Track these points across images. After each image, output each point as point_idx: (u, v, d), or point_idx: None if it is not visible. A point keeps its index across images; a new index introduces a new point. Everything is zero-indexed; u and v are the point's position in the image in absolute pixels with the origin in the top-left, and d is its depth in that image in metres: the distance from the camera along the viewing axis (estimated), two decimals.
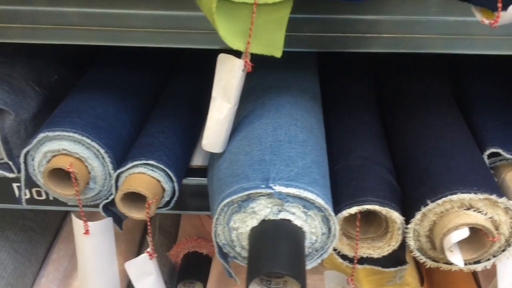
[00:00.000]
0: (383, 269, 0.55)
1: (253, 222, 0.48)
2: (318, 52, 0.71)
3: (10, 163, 0.62)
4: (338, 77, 0.73)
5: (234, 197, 0.47)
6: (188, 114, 0.67)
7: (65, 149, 0.54)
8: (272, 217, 0.47)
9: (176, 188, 0.58)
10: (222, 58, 0.51)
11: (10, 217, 0.84)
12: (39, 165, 0.56)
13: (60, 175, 0.57)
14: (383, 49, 0.53)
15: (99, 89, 0.62)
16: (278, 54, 0.49)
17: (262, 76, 0.64)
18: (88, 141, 0.54)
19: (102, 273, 0.62)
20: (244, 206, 0.47)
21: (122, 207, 0.56)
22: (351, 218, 0.52)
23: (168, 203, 0.59)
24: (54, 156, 0.55)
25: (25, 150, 0.56)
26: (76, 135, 0.54)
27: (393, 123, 0.65)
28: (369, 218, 0.54)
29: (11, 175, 0.63)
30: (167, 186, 0.57)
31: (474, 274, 0.82)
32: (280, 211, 0.47)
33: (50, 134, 0.54)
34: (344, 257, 0.55)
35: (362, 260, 0.55)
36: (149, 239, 0.60)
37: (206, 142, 0.56)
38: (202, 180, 0.63)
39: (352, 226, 0.53)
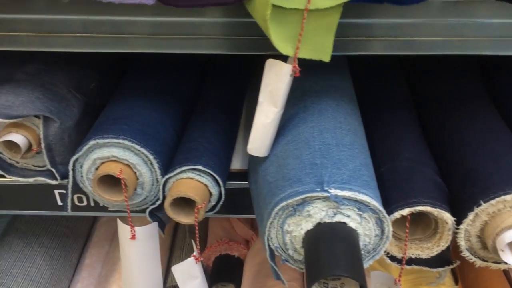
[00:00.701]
0: (430, 269, 0.56)
1: (308, 225, 0.48)
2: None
3: (53, 170, 0.63)
4: (370, 80, 0.74)
5: (289, 201, 0.48)
6: (226, 119, 0.68)
7: (115, 155, 0.55)
8: (327, 220, 0.48)
9: (223, 192, 0.58)
10: (270, 63, 0.52)
11: (43, 223, 0.85)
12: (87, 172, 0.57)
13: (107, 181, 0.57)
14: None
15: (140, 95, 0.63)
16: (326, 58, 0.50)
17: (299, 80, 0.65)
18: (138, 147, 0.55)
19: (146, 277, 0.63)
20: (299, 209, 0.48)
21: (171, 212, 0.56)
22: (398, 219, 0.53)
23: (213, 207, 0.60)
24: (102, 163, 0.56)
25: (74, 157, 0.56)
26: (126, 142, 0.54)
27: (431, 124, 0.65)
28: (416, 219, 0.55)
29: (53, 182, 0.64)
30: (214, 190, 0.57)
31: (506, 272, 0.82)
32: (335, 214, 0.47)
33: (100, 141, 0.54)
34: (392, 258, 0.56)
35: (410, 261, 0.56)
36: (194, 243, 0.61)
37: (251, 146, 0.57)
38: (243, 184, 0.64)
39: (399, 227, 0.54)
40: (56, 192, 0.66)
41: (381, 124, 0.64)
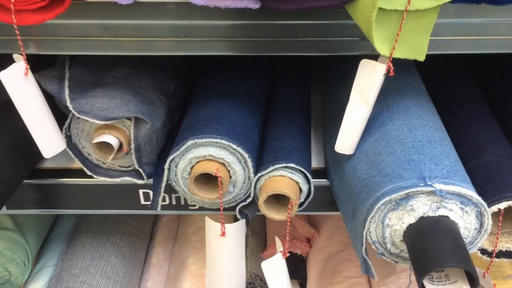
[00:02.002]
0: None
1: (411, 219, 0.50)
2: None
3: (140, 170, 0.65)
4: (436, 78, 0.75)
5: (393, 195, 0.49)
6: (302, 118, 0.69)
7: (211, 154, 0.57)
8: (431, 214, 0.49)
9: (312, 189, 0.60)
10: (364, 63, 0.53)
11: (112, 223, 0.87)
12: (182, 171, 0.59)
13: (199, 179, 0.59)
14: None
15: (225, 97, 0.65)
16: (421, 58, 0.52)
17: None
18: (234, 146, 0.56)
19: (232, 272, 0.65)
20: (402, 204, 0.50)
21: (264, 209, 0.58)
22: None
23: (301, 204, 0.61)
24: (198, 162, 0.58)
25: (171, 156, 0.58)
26: (223, 141, 0.56)
27: (505, 120, 0.66)
28: (504, 213, 0.56)
29: (140, 182, 0.66)
30: (304, 187, 0.59)
31: None
32: (438, 207, 0.49)
33: (198, 140, 0.56)
34: (483, 251, 0.57)
35: (499, 254, 0.57)
36: (281, 240, 0.63)
37: (339, 145, 0.59)
38: (321, 182, 0.66)
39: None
40: (141, 191, 0.69)
41: (458, 121, 0.65)
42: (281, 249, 0.62)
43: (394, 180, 0.51)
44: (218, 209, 0.66)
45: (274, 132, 0.64)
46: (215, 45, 0.53)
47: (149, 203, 0.69)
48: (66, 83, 0.60)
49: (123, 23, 0.52)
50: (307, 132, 0.68)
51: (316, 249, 0.90)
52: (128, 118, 0.61)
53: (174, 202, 0.69)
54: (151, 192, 0.68)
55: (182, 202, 0.69)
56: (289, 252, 0.91)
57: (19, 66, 0.53)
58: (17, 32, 0.50)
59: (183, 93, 0.76)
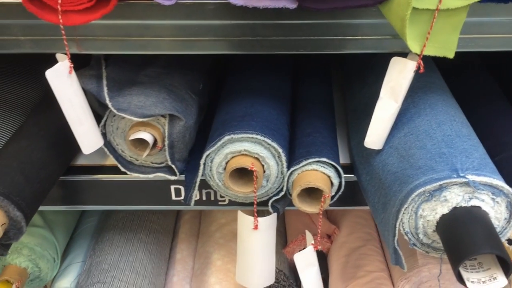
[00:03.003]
0: None
1: (444, 209, 0.52)
2: None
3: (173, 166, 0.67)
4: (454, 76, 0.78)
5: (427, 187, 0.51)
6: (328, 115, 0.71)
7: (247, 149, 0.59)
8: (463, 204, 0.51)
9: (343, 183, 0.62)
10: (395, 61, 0.55)
11: (137, 220, 0.89)
12: (218, 166, 0.61)
13: (233, 174, 0.61)
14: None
15: (255, 94, 0.67)
16: (451, 55, 0.54)
17: None
18: (269, 141, 0.58)
19: (263, 265, 0.67)
20: (436, 195, 0.51)
21: (297, 202, 0.60)
22: None
23: (332, 198, 0.63)
24: (233, 157, 0.60)
25: (207, 151, 0.60)
26: (258, 137, 0.58)
27: None
28: None
29: (172, 178, 0.68)
30: (335, 181, 0.61)
31: None
32: (471, 198, 0.51)
33: (234, 136, 0.58)
34: (509, 241, 0.59)
35: None
36: (309, 233, 0.65)
37: (369, 140, 0.61)
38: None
39: None
40: (172, 187, 0.70)
41: (481, 117, 0.67)
42: (312, 242, 0.64)
43: (427, 173, 0.53)
44: (247, 204, 0.68)
45: (304, 129, 0.66)
46: (251, 44, 0.56)
47: (180, 198, 0.71)
48: (104, 82, 0.62)
49: (164, 23, 0.54)
50: (334, 128, 0.70)
51: (337, 245, 0.92)
52: (163, 116, 0.63)
53: (204, 198, 0.71)
54: (182, 188, 0.70)
55: (212, 198, 0.71)
56: None
57: (64, 65, 0.55)
58: (63, 32, 0.52)
59: (209, 92, 0.78)
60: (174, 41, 0.56)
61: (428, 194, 0.52)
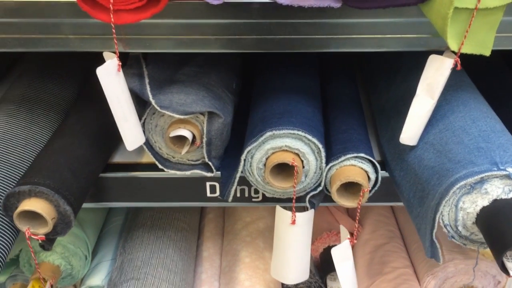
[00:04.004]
0: None
1: (484, 202, 0.53)
2: None
3: (210, 163, 0.68)
4: (479, 74, 0.79)
5: (468, 180, 0.53)
6: (359, 114, 0.73)
7: (287, 145, 0.60)
8: (504, 197, 0.53)
9: (379, 178, 0.64)
10: (433, 58, 0.57)
11: (165, 218, 0.90)
12: (258, 162, 0.62)
13: (272, 170, 0.63)
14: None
15: (290, 92, 0.68)
16: (487, 53, 0.55)
17: None
18: (310, 137, 0.60)
19: (299, 259, 0.68)
20: (477, 187, 0.53)
21: (336, 197, 0.62)
22: None
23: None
24: (273, 152, 0.61)
25: (248, 147, 0.62)
26: (299, 133, 0.60)
27: None
28: None
29: (208, 174, 0.69)
30: (372, 176, 0.63)
31: None
32: (510, 190, 0.53)
33: (276, 132, 0.60)
34: None
35: None
36: (350, 228, 0.66)
37: (404, 136, 0.62)
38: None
39: None
40: (208, 184, 0.72)
41: (510, 114, 0.69)
42: (348, 236, 0.66)
43: (467, 166, 0.54)
44: (281, 200, 0.69)
45: (338, 126, 0.68)
46: (294, 43, 0.57)
47: (214, 195, 0.72)
48: (147, 80, 0.64)
49: (210, 22, 0.56)
50: (365, 126, 0.72)
51: (360, 242, 0.93)
52: (202, 113, 0.65)
53: (238, 194, 0.72)
54: (217, 185, 0.72)
55: (246, 194, 0.72)
56: (335, 245, 0.94)
57: (113, 62, 0.56)
58: (113, 30, 0.54)
59: (240, 90, 0.80)
60: (220, 40, 0.57)
61: (469, 187, 0.54)
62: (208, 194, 0.73)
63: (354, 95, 0.77)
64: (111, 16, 0.53)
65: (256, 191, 0.72)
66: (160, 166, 0.69)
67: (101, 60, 0.58)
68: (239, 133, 0.71)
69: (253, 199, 0.73)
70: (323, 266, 0.92)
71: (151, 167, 0.71)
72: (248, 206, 0.97)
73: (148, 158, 0.72)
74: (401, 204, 0.68)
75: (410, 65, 0.74)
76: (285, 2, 0.53)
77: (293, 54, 0.78)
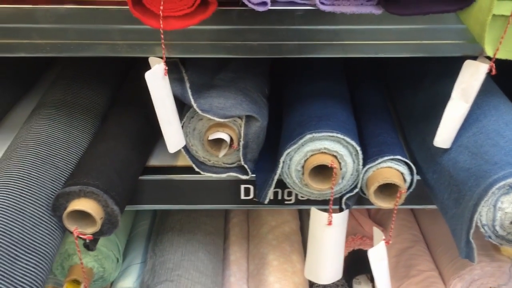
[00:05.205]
0: None
1: None
2: None
3: (246, 166, 0.70)
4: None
5: (508, 180, 0.55)
6: (390, 118, 0.75)
7: (326, 148, 0.62)
8: None
9: (414, 180, 0.65)
10: (468, 64, 0.59)
11: (193, 222, 0.92)
12: (297, 164, 0.64)
13: (310, 172, 0.64)
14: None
15: (324, 97, 0.70)
16: None
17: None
18: (348, 139, 0.62)
19: (334, 260, 0.69)
20: None
21: (373, 198, 0.63)
22: None
23: None
24: (312, 155, 0.63)
25: (288, 150, 0.63)
26: (338, 135, 0.61)
27: None
28: None
29: (244, 177, 0.71)
30: (408, 178, 0.64)
31: None
32: None
33: (316, 135, 0.62)
34: None
35: None
36: (377, 228, 0.68)
37: (439, 139, 0.64)
38: None
39: None
40: (242, 186, 0.73)
41: None
42: (383, 237, 0.67)
43: (505, 167, 0.56)
44: (313, 203, 0.71)
45: (372, 129, 0.70)
46: (335, 48, 0.59)
47: (248, 198, 0.74)
48: (188, 85, 0.65)
49: (254, 28, 0.58)
50: (396, 130, 0.74)
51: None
52: (239, 117, 0.67)
53: (272, 197, 0.74)
54: (251, 187, 0.73)
55: (279, 197, 0.74)
56: (359, 249, 0.95)
57: (160, 67, 0.58)
58: (162, 36, 0.56)
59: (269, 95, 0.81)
60: (262, 45, 0.59)
61: (508, 188, 0.55)
62: (242, 197, 0.74)
63: (382, 100, 0.79)
64: (161, 22, 0.55)
65: (289, 194, 0.74)
66: (196, 169, 0.71)
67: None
68: (269, 137, 0.73)
69: (286, 202, 0.74)
70: (348, 269, 0.93)
71: (187, 170, 0.73)
72: (273, 210, 0.99)
73: (183, 161, 0.74)
74: (430, 206, 0.70)
75: (437, 71, 0.76)
76: (328, 9, 0.55)
77: (318, 60, 0.79)
